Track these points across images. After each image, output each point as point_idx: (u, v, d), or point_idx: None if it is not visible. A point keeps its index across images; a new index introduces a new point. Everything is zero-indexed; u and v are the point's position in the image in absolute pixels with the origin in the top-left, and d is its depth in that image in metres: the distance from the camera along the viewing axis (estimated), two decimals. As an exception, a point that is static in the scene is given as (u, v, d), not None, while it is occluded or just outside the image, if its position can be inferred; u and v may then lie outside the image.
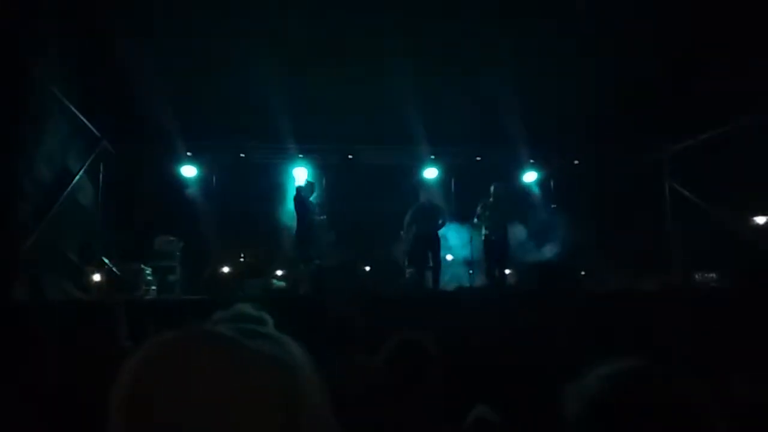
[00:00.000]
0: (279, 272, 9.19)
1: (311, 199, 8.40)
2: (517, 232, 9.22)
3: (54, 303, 5.98)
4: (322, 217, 8.47)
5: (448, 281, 8.93)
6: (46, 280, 6.45)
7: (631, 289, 7.24)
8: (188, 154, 9.96)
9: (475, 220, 8.68)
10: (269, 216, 9.65)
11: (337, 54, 7.85)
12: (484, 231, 8.56)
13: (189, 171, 10.02)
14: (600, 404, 1.07)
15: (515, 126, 9.17)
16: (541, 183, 10.92)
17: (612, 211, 10.16)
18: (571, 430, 1.15)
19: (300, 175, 10.00)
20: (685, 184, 10.19)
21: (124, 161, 9.34)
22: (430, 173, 10.57)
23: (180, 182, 9.93)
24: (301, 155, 10.16)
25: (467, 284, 8.53)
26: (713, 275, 7.97)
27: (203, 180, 10.12)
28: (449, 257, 9.55)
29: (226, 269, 9.09)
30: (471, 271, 8.90)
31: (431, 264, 8.32)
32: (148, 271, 8.13)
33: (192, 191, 9.92)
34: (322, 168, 10.27)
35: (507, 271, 8.70)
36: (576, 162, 10.95)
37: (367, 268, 8.83)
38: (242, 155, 10.17)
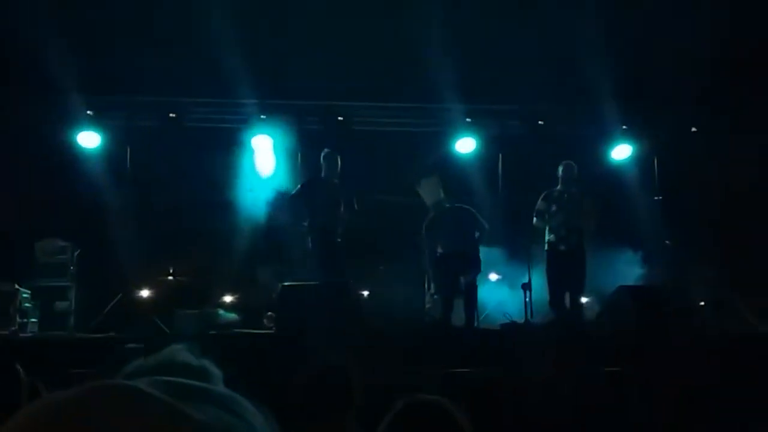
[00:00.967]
0: (228, 298, 9.21)
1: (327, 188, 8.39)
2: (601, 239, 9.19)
3: None
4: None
5: (490, 313, 8.89)
6: None
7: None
8: (88, 113, 9.96)
9: (534, 219, 8.69)
10: (214, 211, 9.66)
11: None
12: (548, 237, 8.57)
13: (89, 139, 9.97)
14: None
15: (600, 73, 9.17)
16: (639, 162, 10.87)
17: (747, 209, 10.09)
18: None
19: (262, 146, 10.03)
20: None
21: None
22: (465, 145, 10.57)
23: (75, 157, 9.93)
24: (263, 116, 10.18)
25: (521, 319, 8.49)
26: None
27: (111, 153, 10.11)
28: (494, 276, 9.49)
29: (146, 293, 9.08)
30: (527, 299, 8.88)
31: (463, 289, 8.40)
32: (25, 295, 8.14)
33: (94, 170, 9.88)
34: (297, 136, 10.31)
35: (583, 299, 8.69)
36: (694, 130, 10.89)
37: (365, 293, 8.83)
38: (172, 115, 10.19)
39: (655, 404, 5.80)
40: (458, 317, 8.39)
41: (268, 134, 10.14)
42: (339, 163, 8.43)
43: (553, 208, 8.56)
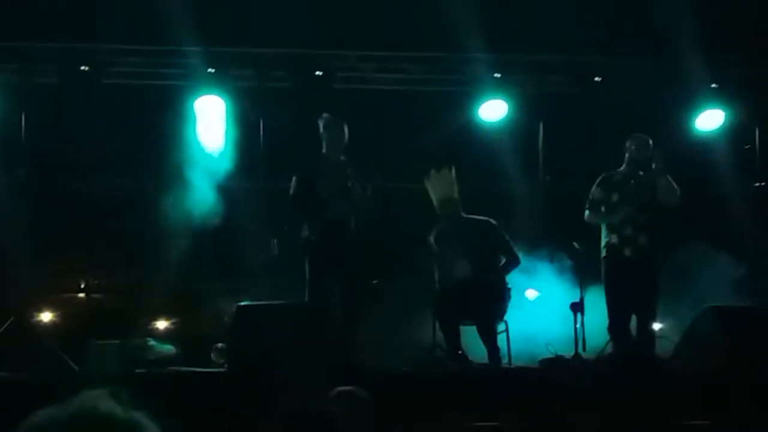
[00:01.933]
0: (161, 324, 9.26)
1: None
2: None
3: None
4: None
5: (525, 344, 8.98)
6: None
7: None
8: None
9: (587, 213, 8.78)
10: (142, 203, 9.72)
11: None
12: (607, 238, 8.66)
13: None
14: None
15: (680, 9, 9.25)
16: (735, 134, 10.95)
17: None
18: None
19: (209, 109, 10.08)
20: None
21: None
22: (493, 110, 10.63)
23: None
24: (211, 70, 10.25)
25: (568, 352, 8.57)
26: None
27: (2, 121, 10.15)
28: (531, 294, 9.57)
29: (47, 316, 9.12)
30: (578, 324, 8.94)
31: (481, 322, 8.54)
32: None
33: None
34: (257, 97, 10.39)
35: (656, 326, 8.74)
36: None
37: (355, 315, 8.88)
38: (83, 68, 10.23)
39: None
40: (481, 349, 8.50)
41: (218, 95, 10.17)
42: (346, 132, 8.49)
43: (615, 197, 8.59)
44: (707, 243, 9.91)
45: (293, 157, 9.28)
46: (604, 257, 8.66)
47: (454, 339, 8.48)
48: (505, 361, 8.51)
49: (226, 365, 7.67)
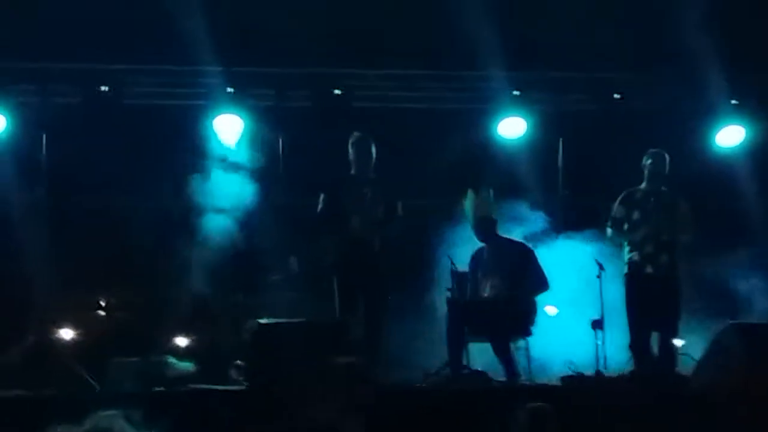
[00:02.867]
0: (181, 341, 9.27)
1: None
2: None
3: None
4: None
5: (546, 360, 8.96)
6: None
7: None
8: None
9: (609, 231, 8.79)
10: (161, 222, 9.78)
11: None
12: (629, 255, 8.67)
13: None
14: None
15: (700, 26, 9.24)
16: (756, 150, 10.86)
17: None
18: None
19: (229, 128, 10.11)
20: None
21: None
22: (512, 127, 10.63)
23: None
24: (231, 90, 10.28)
25: (589, 370, 8.53)
26: None
27: (19, 141, 10.18)
28: (551, 310, 9.55)
29: (67, 334, 9.14)
30: (600, 342, 8.90)
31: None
32: None
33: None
34: (277, 116, 10.41)
35: (678, 342, 8.70)
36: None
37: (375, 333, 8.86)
38: (104, 89, 10.28)
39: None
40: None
41: (237, 114, 10.20)
42: (374, 151, 8.56)
43: (636, 215, 8.62)
44: (730, 260, 9.87)
45: (313, 175, 9.29)
46: (626, 274, 8.67)
47: (458, 355, 8.49)
48: (525, 378, 8.48)
49: (245, 383, 7.65)
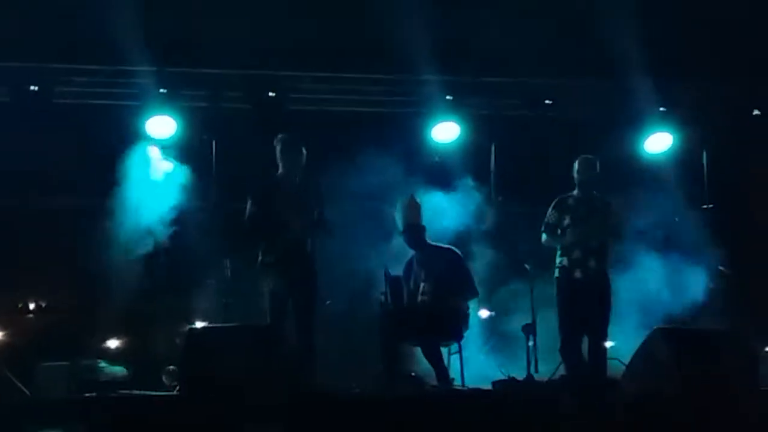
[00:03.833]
0: (113, 344, 9.16)
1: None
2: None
3: None
4: None
5: (479, 365, 9.03)
6: None
7: None
8: None
9: (543, 236, 8.85)
10: (92, 221, 9.67)
11: None
12: (559, 259, 8.72)
13: None
14: None
15: (629, 33, 9.41)
16: (683, 157, 11.07)
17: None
18: None
19: (161, 129, 10.09)
20: None
21: None
22: (445, 131, 10.73)
23: None
24: (163, 90, 10.20)
25: (520, 374, 8.58)
26: None
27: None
28: (484, 313, 9.60)
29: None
30: (531, 342, 8.97)
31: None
32: None
33: None
34: (208, 117, 10.39)
35: (608, 344, 8.78)
36: (757, 113, 11.13)
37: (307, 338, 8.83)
38: (33, 88, 10.16)
39: None
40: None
41: (170, 115, 10.16)
42: (304, 153, 8.37)
43: (567, 220, 8.67)
44: (656, 265, 10.00)
45: (247, 177, 9.21)
46: (556, 278, 8.73)
47: (391, 361, 8.46)
48: (457, 382, 8.50)
49: (177, 388, 7.58)
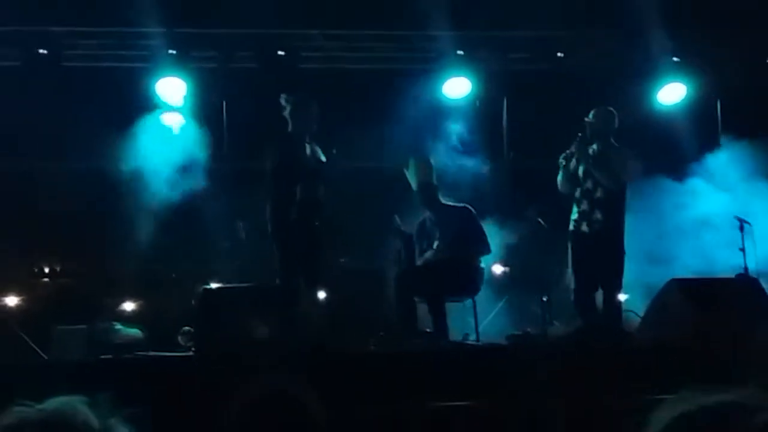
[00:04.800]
0: (128, 306, 9.19)
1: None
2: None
3: None
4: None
5: (493, 319, 9.04)
6: None
7: None
8: None
9: (559, 177, 8.70)
10: (104, 185, 9.71)
11: None
12: (573, 211, 8.67)
13: None
14: None
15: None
16: (697, 107, 11.00)
17: None
18: None
19: (171, 91, 10.05)
20: None
21: None
22: (456, 87, 10.67)
23: None
24: (172, 51, 10.17)
25: (535, 328, 8.59)
26: None
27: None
28: (499, 269, 9.61)
29: (11, 301, 9.07)
30: (545, 297, 8.98)
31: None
32: None
33: None
34: (219, 78, 10.34)
35: (622, 297, 8.77)
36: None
37: (321, 296, 8.88)
38: (42, 51, 10.13)
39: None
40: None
41: (180, 76, 10.13)
42: (316, 112, 8.22)
43: (580, 170, 8.56)
44: (671, 216, 9.97)
45: (258, 138, 9.18)
46: (570, 231, 8.67)
47: (407, 317, 8.46)
48: (472, 337, 8.53)
49: (193, 349, 7.62)
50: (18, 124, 9.91)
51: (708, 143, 10.91)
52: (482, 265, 8.75)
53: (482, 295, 8.80)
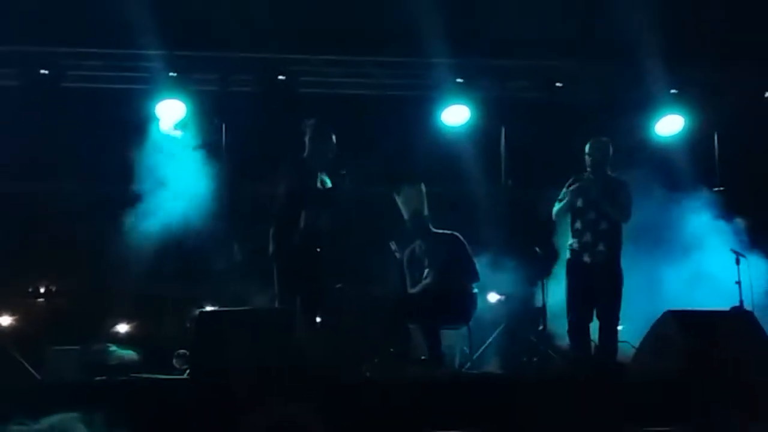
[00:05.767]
0: (123, 328, 9.17)
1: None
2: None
3: None
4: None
5: (481, 353, 9.03)
6: None
7: None
8: None
9: (555, 207, 8.72)
10: (102, 206, 9.72)
11: None
12: (571, 241, 8.66)
13: None
14: None
15: (640, 16, 9.35)
16: (694, 139, 11.05)
17: None
18: None
19: (171, 113, 10.09)
20: None
21: None
22: (455, 115, 10.72)
23: None
24: (173, 74, 10.20)
25: (525, 358, 8.58)
26: None
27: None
28: (494, 297, 9.59)
29: (5, 320, 9.04)
30: (541, 327, 8.97)
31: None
32: None
33: None
34: (220, 101, 10.38)
35: (618, 327, 8.75)
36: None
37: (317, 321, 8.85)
38: (43, 72, 10.17)
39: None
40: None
41: (180, 98, 10.17)
42: (334, 141, 8.19)
43: (579, 202, 8.55)
44: (669, 247, 9.97)
45: (257, 161, 9.20)
46: (567, 260, 8.66)
47: (403, 344, 8.50)
48: (468, 365, 8.51)
49: (188, 372, 7.59)
50: (16, 145, 9.91)
51: (705, 175, 10.95)
52: (475, 290, 8.74)
53: (478, 323, 8.78)
